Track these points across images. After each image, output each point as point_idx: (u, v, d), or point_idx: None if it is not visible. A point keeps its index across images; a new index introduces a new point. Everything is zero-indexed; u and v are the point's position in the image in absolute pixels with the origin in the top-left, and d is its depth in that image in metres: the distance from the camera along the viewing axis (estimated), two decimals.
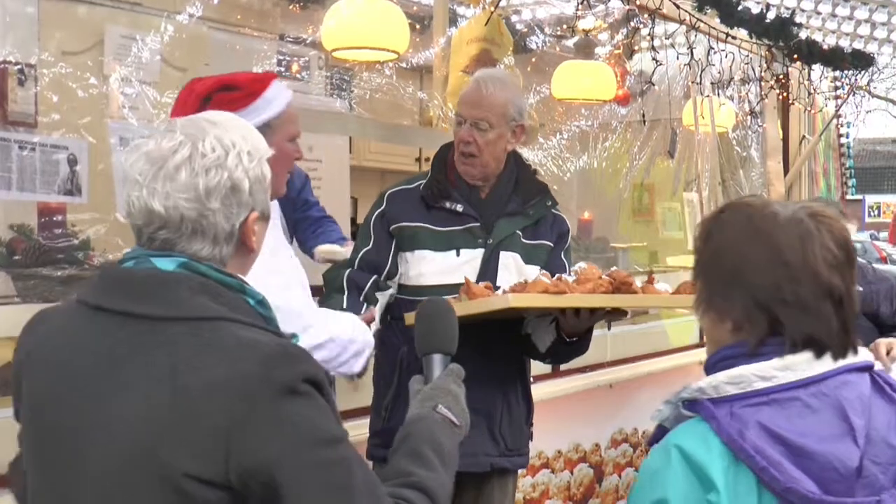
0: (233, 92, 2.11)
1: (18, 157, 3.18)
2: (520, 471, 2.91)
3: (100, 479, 1.29)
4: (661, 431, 1.43)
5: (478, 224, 2.60)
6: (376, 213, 2.66)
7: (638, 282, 2.53)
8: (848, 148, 8.51)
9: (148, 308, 1.31)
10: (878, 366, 1.45)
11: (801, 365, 1.36)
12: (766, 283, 1.38)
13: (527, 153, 5.79)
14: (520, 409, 2.69)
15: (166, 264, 1.35)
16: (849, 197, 9.06)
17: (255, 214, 1.41)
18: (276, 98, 2.16)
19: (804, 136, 7.26)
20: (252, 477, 1.24)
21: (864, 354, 1.43)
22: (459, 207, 2.60)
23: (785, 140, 7.00)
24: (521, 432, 2.69)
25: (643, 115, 5.88)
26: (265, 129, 2.11)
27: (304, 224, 3.37)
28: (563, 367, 4.11)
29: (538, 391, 3.73)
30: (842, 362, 1.38)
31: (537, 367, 3.63)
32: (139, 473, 1.25)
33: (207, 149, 1.35)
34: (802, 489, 1.26)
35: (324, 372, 1.34)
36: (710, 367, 1.42)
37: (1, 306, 2.91)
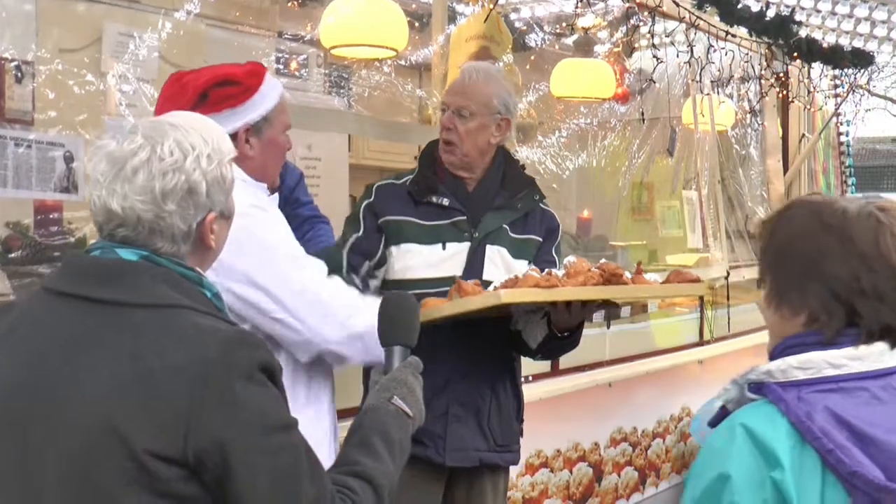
0: (231, 87, 2.12)
1: (14, 155, 3.17)
2: (518, 469, 2.90)
3: (64, 460, 1.33)
4: (722, 413, 1.44)
5: (464, 218, 2.60)
6: (365, 203, 2.66)
7: (627, 274, 2.52)
8: (847, 146, 8.49)
9: (113, 294, 1.38)
10: None
11: (873, 356, 1.38)
12: (844, 274, 1.39)
13: (526, 151, 5.77)
14: (509, 403, 2.67)
15: (129, 255, 1.42)
16: (848, 195, 9.04)
17: (212, 215, 1.47)
18: (271, 91, 2.19)
19: (804, 135, 7.26)
20: (208, 456, 1.30)
21: None
22: (445, 201, 2.61)
23: (784, 138, 7.00)
24: (510, 428, 2.67)
25: (642, 114, 5.86)
26: (263, 122, 2.15)
27: (294, 223, 3.36)
28: (562, 365, 4.10)
29: (537, 390, 3.73)
30: None
31: (537, 365, 3.62)
32: (102, 451, 1.31)
33: (166, 152, 1.41)
34: (868, 474, 1.28)
35: (277, 361, 1.41)
36: (776, 355, 1.43)
37: None
